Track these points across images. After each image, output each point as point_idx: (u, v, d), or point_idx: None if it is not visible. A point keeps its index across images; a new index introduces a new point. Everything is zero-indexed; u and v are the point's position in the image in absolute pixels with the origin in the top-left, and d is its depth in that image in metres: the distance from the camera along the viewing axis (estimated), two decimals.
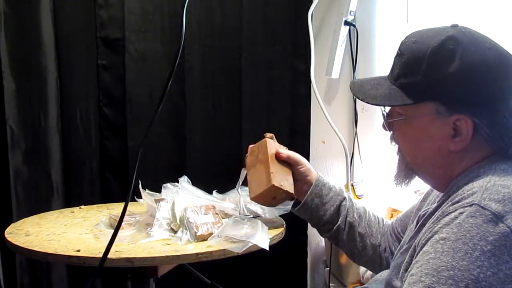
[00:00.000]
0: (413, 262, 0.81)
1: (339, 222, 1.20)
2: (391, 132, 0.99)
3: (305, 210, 1.21)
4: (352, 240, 1.21)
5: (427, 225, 0.87)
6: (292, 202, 1.24)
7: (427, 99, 0.89)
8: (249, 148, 1.27)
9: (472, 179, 0.85)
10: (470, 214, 0.77)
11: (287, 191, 1.14)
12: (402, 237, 1.17)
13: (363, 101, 0.97)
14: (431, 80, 0.87)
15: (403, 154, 0.97)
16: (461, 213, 0.78)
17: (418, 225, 0.95)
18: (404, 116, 0.93)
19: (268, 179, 1.14)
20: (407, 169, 0.97)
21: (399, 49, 0.94)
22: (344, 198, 1.21)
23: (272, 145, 1.22)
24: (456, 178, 0.89)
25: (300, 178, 1.21)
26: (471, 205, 0.78)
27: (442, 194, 0.92)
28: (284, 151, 1.21)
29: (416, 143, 0.93)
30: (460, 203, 0.80)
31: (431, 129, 0.90)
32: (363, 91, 0.98)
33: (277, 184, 1.13)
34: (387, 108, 0.99)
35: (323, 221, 1.22)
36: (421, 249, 0.82)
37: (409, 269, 0.81)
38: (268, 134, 1.26)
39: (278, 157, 1.19)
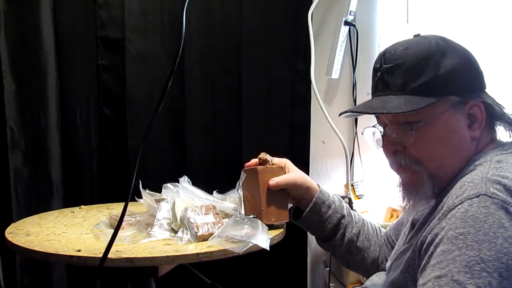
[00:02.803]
0: (431, 263, 0.79)
1: (336, 238, 1.21)
2: (401, 150, 0.94)
3: (304, 224, 1.23)
4: (349, 253, 1.22)
5: (429, 223, 0.86)
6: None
7: (444, 93, 0.90)
8: (243, 170, 1.24)
9: (469, 172, 0.86)
10: (480, 204, 0.78)
11: (279, 222, 1.18)
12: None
13: (389, 113, 0.92)
14: (443, 74, 0.90)
15: (425, 163, 0.92)
16: (470, 205, 0.78)
17: (416, 225, 0.95)
18: (422, 120, 0.91)
19: (259, 216, 1.17)
20: (430, 177, 0.92)
21: (388, 62, 0.94)
22: (343, 216, 1.20)
23: (264, 173, 1.18)
24: (457, 176, 0.89)
25: (299, 196, 1.20)
26: (478, 196, 0.79)
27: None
28: (279, 180, 1.16)
29: (443, 142, 0.91)
30: (464, 195, 0.80)
31: (453, 122, 0.91)
32: (377, 107, 0.93)
33: (268, 222, 1.16)
34: (392, 124, 0.96)
35: (320, 235, 1.24)
36: (430, 246, 0.81)
37: (430, 271, 0.78)
38: (261, 157, 1.21)
39: (272, 188, 1.17)
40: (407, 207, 0.99)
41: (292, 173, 1.20)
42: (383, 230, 1.25)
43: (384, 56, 0.96)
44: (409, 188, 0.97)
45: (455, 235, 0.77)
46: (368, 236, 1.22)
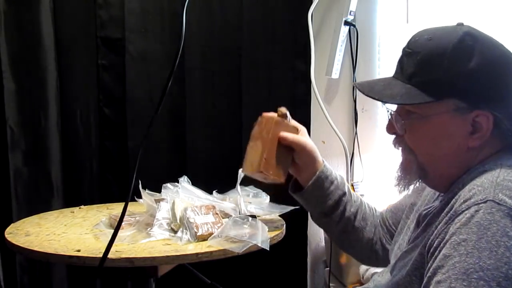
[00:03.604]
0: (433, 267, 0.79)
1: (334, 215, 1.18)
2: (401, 135, 0.95)
3: (304, 199, 1.19)
4: (344, 232, 1.19)
5: (437, 225, 0.85)
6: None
7: (448, 96, 0.87)
8: (260, 117, 1.18)
9: (478, 175, 0.84)
10: (486, 211, 0.76)
11: (275, 178, 1.12)
12: (393, 230, 1.16)
13: (380, 100, 0.93)
14: (453, 76, 0.86)
15: (417, 155, 0.93)
16: (476, 210, 0.77)
17: (422, 225, 0.94)
18: (421, 115, 0.90)
19: (258, 163, 1.12)
20: (420, 170, 0.93)
21: (409, 47, 0.92)
22: (344, 193, 1.18)
23: (279, 125, 1.14)
24: (462, 175, 0.88)
25: (303, 165, 1.16)
26: (485, 202, 0.77)
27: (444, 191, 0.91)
28: (290, 136, 1.13)
29: (434, 142, 0.90)
30: (472, 200, 0.79)
31: (451, 126, 0.88)
32: (376, 91, 0.94)
33: (265, 172, 1.11)
34: (395, 108, 0.96)
35: (318, 212, 1.20)
36: (436, 250, 0.80)
37: (431, 274, 0.79)
38: (281, 110, 1.17)
39: (281, 141, 1.13)
40: (397, 187, 0.99)
41: (304, 137, 1.18)
42: (378, 211, 1.24)
43: (411, 40, 0.93)
44: (402, 169, 0.97)
45: (458, 241, 0.77)
46: (365, 216, 1.20)
